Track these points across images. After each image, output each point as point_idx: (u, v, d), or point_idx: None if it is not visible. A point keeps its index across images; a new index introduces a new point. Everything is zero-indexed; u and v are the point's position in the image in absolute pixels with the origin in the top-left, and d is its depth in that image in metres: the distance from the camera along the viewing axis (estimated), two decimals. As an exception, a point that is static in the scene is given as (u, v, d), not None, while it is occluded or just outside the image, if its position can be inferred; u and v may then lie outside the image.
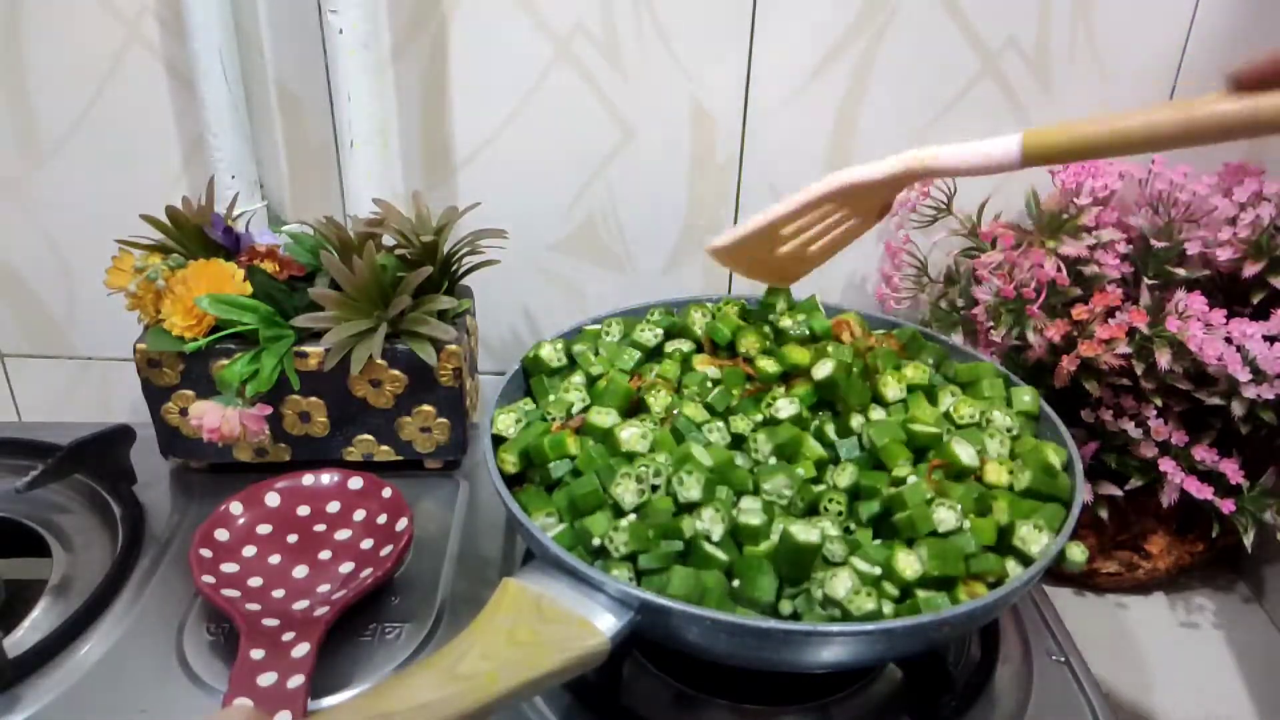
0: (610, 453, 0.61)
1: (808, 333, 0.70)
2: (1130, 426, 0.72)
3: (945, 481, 0.59)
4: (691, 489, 0.57)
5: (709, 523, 0.57)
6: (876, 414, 0.64)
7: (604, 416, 0.63)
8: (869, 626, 0.51)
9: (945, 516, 0.56)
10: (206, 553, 0.67)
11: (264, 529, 0.71)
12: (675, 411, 0.64)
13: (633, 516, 0.57)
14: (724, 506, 0.57)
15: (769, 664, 0.55)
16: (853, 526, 0.58)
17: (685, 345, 0.70)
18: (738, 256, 0.68)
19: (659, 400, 0.64)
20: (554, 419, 0.65)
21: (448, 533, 0.75)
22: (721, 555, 0.55)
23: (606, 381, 0.66)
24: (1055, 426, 0.65)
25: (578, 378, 0.68)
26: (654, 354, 0.71)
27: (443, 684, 0.47)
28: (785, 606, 0.55)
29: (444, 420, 0.78)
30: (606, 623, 0.51)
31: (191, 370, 0.74)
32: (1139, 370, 0.70)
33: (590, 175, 0.85)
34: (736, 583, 0.55)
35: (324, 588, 0.67)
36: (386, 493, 0.73)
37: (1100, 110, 0.80)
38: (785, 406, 0.63)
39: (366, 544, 0.70)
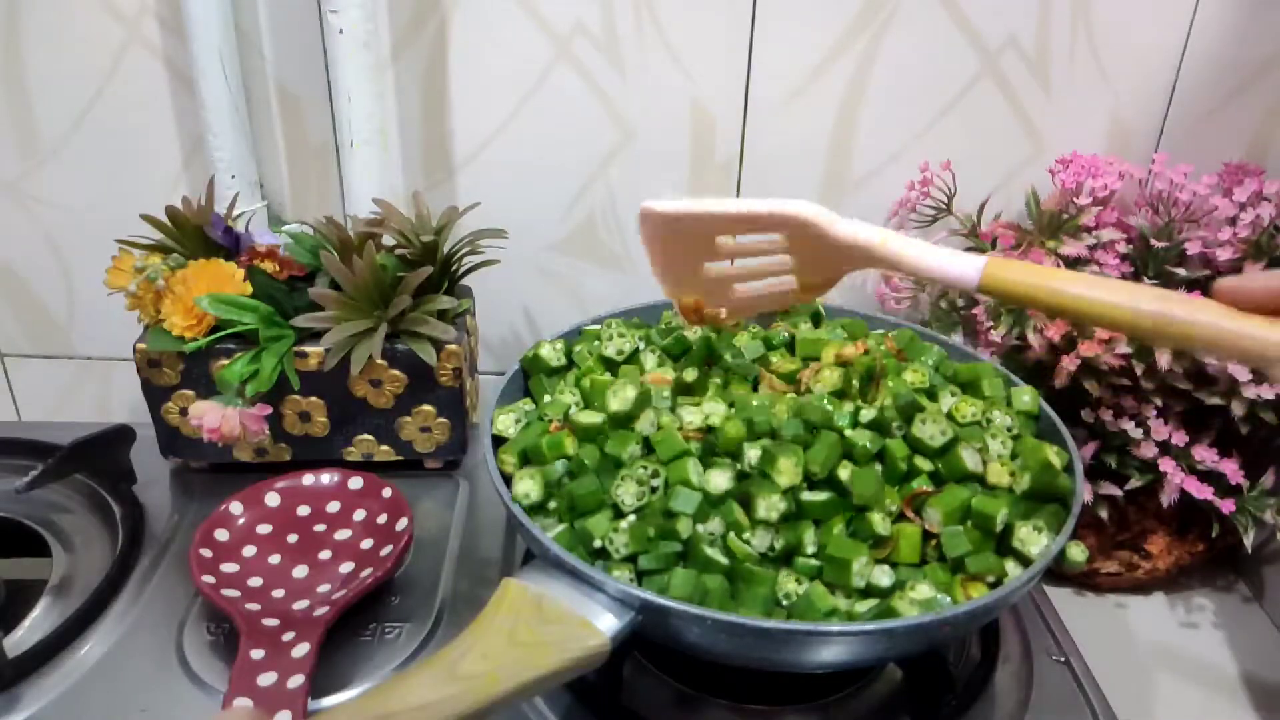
0: (602, 454, 0.61)
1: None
2: (1130, 426, 0.72)
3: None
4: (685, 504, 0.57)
5: (711, 527, 0.57)
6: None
7: (592, 416, 0.63)
8: (869, 626, 0.51)
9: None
10: (206, 553, 0.67)
11: (264, 529, 0.71)
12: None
13: (633, 517, 0.57)
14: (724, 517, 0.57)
15: (770, 664, 0.55)
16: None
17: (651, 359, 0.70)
18: (665, 235, 0.59)
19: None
20: (551, 419, 0.65)
21: (448, 533, 0.75)
22: (722, 559, 0.55)
23: (593, 381, 0.66)
24: (1055, 426, 0.65)
25: (574, 377, 0.68)
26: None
27: (443, 684, 0.47)
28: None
29: (444, 420, 0.78)
30: (607, 623, 0.51)
31: (191, 370, 0.74)
32: (1139, 370, 0.70)
33: (590, 175, 0.85)
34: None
35: (324, 588, 0.66)
36: (386, 493, 0.73)
37: (1100, 110, 0.81)
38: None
39: (366, 544, 0.70)
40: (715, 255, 0.59)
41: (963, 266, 0.51)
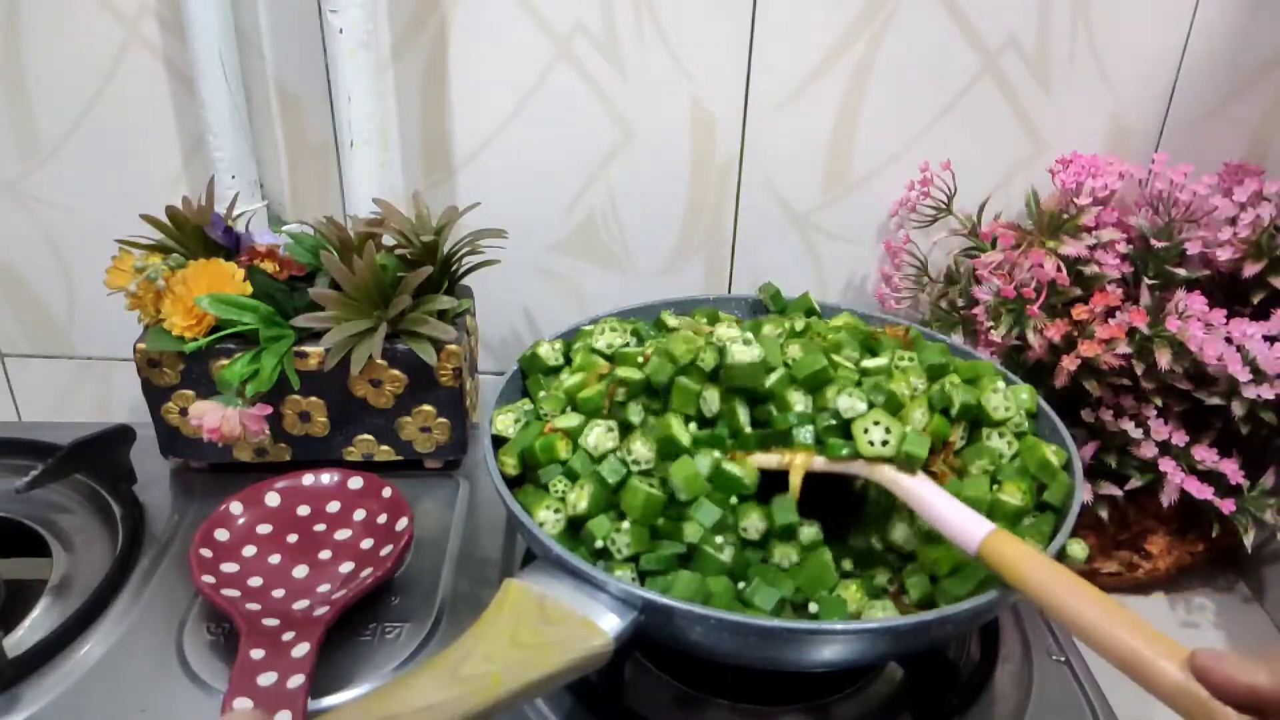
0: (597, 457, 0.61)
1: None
2: (1130, 426, 0.72)
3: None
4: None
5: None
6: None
7: (570, 420, 0.63)
8: (872, 625, 0.51)
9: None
10: (206, 552, 0.67)
11: (264, 529, 0.71)
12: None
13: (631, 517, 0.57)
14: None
15: (772, 663, 0.55)
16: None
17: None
18: None
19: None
20: (548, 417, 0.64)
21: (448, 533, 0.75)
22: (725, 559, 0.55)
23: (579, 380, 0.65)
24: (1054, 425, 0.65)
25: (566, 376, 0.68)
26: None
27: (446, 686, 0.47)
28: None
29: (444, 420, 0.78)
30: (610, 623, 0.51)
31: (191, 370, 0.74)
32: (1139, 370, 0.71)
33: (590, 175, 0.85)
34: (742, 585, 0.55)
35: (324, 587, 0.66)
36: (386, 493, 0.73)
37: (1100, 110, 0.81)
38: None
39: (366, 544, 0.70)
40: None
41: (967, 527, 0.52)
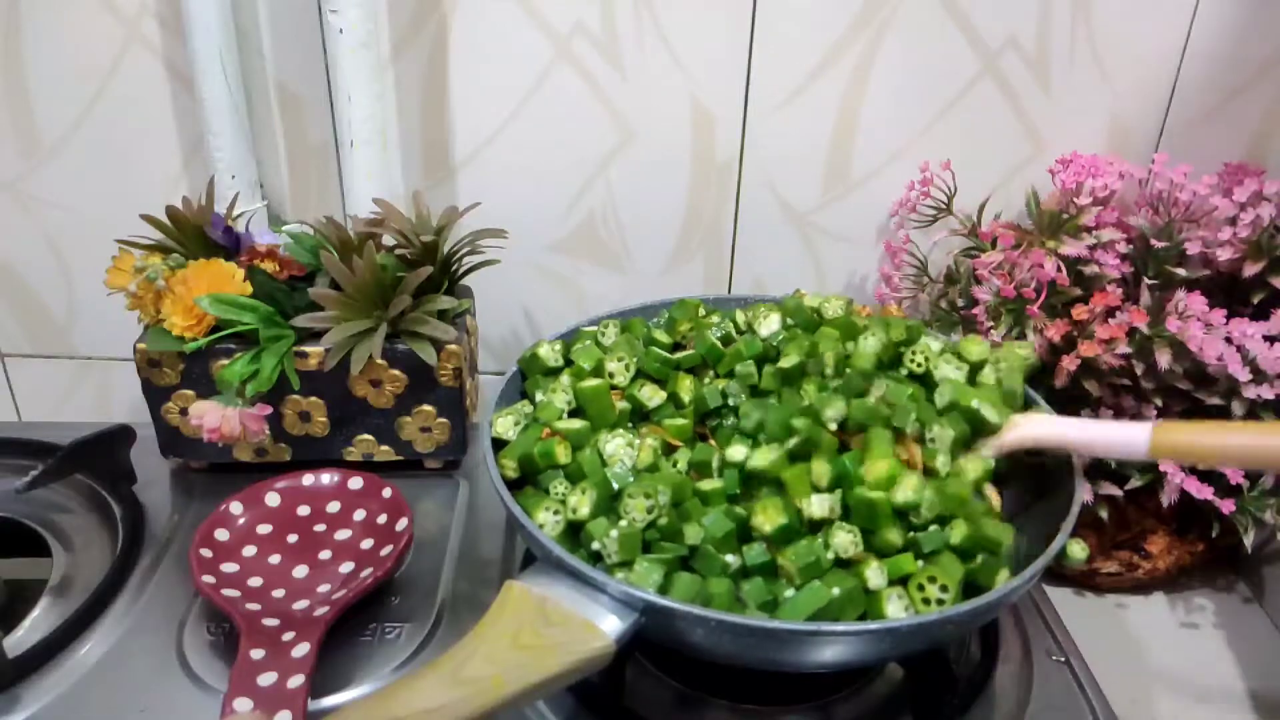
0: (600, 462, 0.60)
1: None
2: (1130, 426, 0.72)
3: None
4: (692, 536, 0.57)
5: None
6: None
7: (570, 424, 0.63)
8: (872, 626, 0.51)
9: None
10: (206, 552, 0.67)
11: (264, 529, 0.71)
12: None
13: (624, 524, 0.56)
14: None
15: (773, 664, 0.55)
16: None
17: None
18: None
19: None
20: (545, 424, 0.64)
21: (448, 533, 0.75)
22: (730, 560, 0.55)
23: (588, 387, 0.65)
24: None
25: (566, 379, 0.67)
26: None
27: (448, 688, 0.47)
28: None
29: (444, 420, 0.77)
30: (611, 624, 0.51)
31: (191, 370, 0.74)
32: (1139, 370, 0.71)
33: (590, 175, 0.85)
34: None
35: (324, 588, 0.66)
36: (386, 493, 0.73)
37: (1100, 110, 0.81)
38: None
39: (366, 544, 0.70)
40: None
41: (1130, 435, 0.56)
